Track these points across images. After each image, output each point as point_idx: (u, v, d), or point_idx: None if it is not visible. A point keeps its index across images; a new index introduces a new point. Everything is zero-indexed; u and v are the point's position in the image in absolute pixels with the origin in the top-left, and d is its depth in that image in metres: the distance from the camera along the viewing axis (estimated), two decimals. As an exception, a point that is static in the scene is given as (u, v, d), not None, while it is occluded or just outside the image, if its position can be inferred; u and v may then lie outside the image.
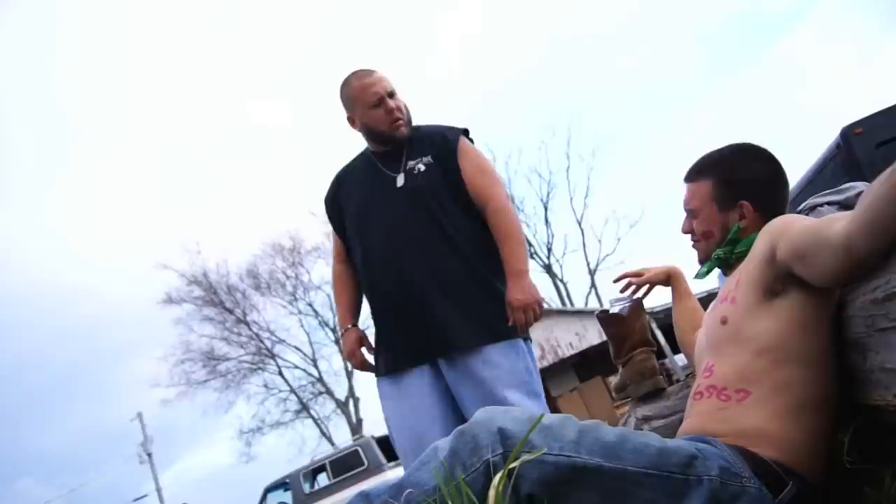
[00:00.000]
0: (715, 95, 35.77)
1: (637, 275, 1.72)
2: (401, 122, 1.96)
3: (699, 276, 1.43)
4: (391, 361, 1.94)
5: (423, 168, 1.93)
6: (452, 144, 1.94)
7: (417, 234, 1.89)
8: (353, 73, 2.00)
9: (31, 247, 34.99)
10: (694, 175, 1.40)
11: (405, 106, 1.99)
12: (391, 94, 1.95)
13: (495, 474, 0.95)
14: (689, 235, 1.42)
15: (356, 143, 2.18)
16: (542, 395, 1.89)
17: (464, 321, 1.84)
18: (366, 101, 1.93)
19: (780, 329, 1.12)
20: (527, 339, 1.95)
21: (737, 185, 1.32)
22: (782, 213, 1.33)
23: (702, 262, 1.42)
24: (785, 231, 1.11)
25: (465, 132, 2.03)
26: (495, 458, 0.98)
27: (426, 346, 1.87)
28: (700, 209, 1.36)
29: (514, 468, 0.96)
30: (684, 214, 1.43)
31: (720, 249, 1.34)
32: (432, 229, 1.89)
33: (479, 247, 1.91)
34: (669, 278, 1.69)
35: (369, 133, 2.00)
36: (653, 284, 1.70)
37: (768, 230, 1.16)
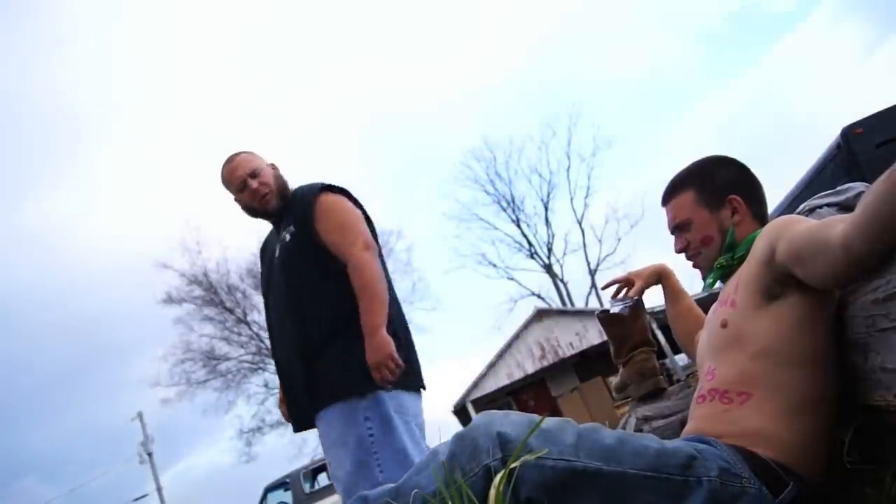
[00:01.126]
0: (716, 95, 35.79)
1: (627, 281, 1.69)
2: (267, 196, 2.04)
3: (707, 287, 1.39)
4: (293, 422, 2.07)
5: (288, 238, 2.01)
6: (309, 210, 1.99)
7: (285, 303, 1.99)
8: (222, 164, 2.11)
9: (31, 246, 34.97)
10: (672, 192, 1.39)
11: (273, 177, 2.07)
12: (253, 174, 2.04)
13: (495, 478, 0.95)
14: (683, 254, 1.39)
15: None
16: (381, 462, 1.78)
17: (312, 388, 1.90)
18: (234, 186, 2.06)
19: (780, 331, 1.12)
20: (389, 389, 1.85)
21: (719, 183, 1.33)
22: (766, 213, 1.33)
23: (705, 271, 1.38)
24: (784, 232, 1.10)
25: (328, 188, 2.05)
26: (494, 462, 0.98)
27: (298, 412, 1.99)
28: (691, 218, 1.35)
29: (513, 470, 0.95)
30: (672, 237, 1.41)
31: (721, 258, 1.32)
32: (293, 298, 1.97)
33: (340, 308, 1.91)
34: (660, 277, 1.66)
35: (247, 212, 2.12)
36: (644, 289, 1.67)
37: (768, 231, 1.16)
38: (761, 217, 1.32)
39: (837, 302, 1.12)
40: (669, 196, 1.40)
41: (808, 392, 1.10)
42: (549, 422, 1.04)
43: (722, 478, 1.02)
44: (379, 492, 1.08)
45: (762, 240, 1.16)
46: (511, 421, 1.03)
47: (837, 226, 0.97)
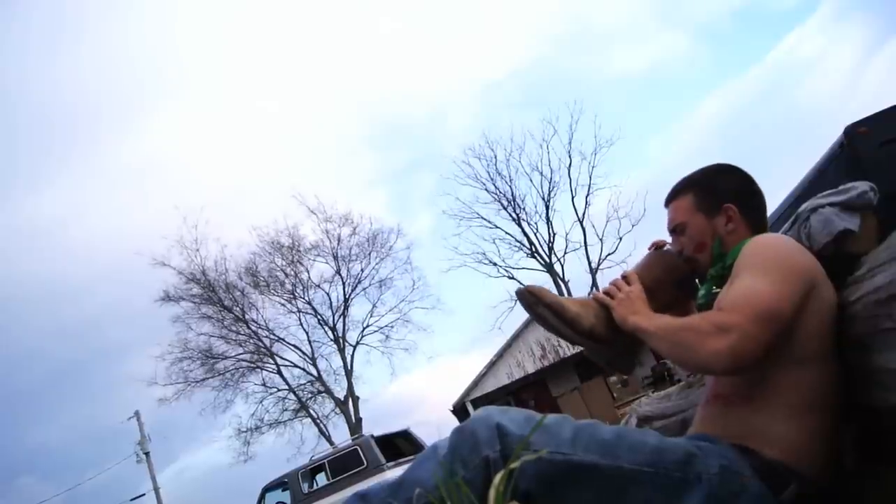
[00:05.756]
0: (718, 93, 35.80)
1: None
2: None
3: (701, 300, 1.37)
4: None
5: None
6: None
7: None
8: None
9: (29, 244, 35.04)
10: (674, 194, 1.42)
11: None
12: None
13: (494, 471, 0.95)
14: (681, 256, 1.40)
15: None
16: None
17: None
18: None
19: None
20: None
21: (717, 191, 1.35)
22: (762, 221, 1.35)
23: (702, 278, 1.38)
24: (741, 269, 1.16)
25: None
26: (494, 454, 0.99)
27: None
28: (687, 222, 1.37)
29: (513, 469, 0.94)
30: (670, 239, 1.42)
31: (712, 269, 1.33)
32: None
33: None
34: None
35: None
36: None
37: (743, 253, 1.18)
38: (757, 226, 1.34)
39: (839, 303, 1.12)
40: (671, 198, 1.43)
41: (808, 393, 1.10)
42: (548, 417, 1.05)
43: (722, 475, 1.02)
44: (379, 487, 1.09)
45: (738, 259, 1.19)
46: (510, 416, 1.04)
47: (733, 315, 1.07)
